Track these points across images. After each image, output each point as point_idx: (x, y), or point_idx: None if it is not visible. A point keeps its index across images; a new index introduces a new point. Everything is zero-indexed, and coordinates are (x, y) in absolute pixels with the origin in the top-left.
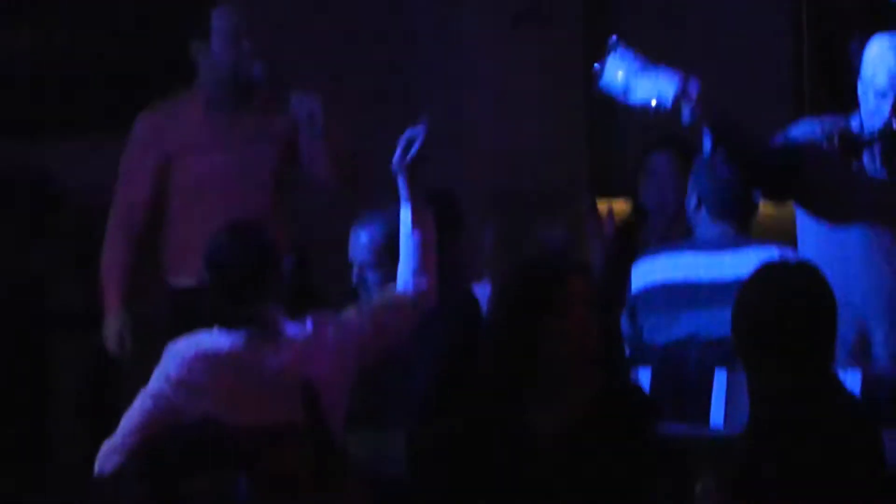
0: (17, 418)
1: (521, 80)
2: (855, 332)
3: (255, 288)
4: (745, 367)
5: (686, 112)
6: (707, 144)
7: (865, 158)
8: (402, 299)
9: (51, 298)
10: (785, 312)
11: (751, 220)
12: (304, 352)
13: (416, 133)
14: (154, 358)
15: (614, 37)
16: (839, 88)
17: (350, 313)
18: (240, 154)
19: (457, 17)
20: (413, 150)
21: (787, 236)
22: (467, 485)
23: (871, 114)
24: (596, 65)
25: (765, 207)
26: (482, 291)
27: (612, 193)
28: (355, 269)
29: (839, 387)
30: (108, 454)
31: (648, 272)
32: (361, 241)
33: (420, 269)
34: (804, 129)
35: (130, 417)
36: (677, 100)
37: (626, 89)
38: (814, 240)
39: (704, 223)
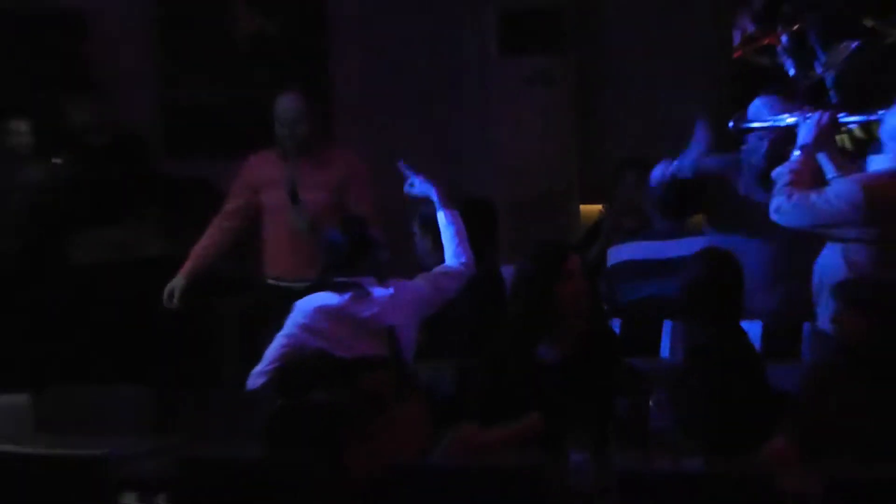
0: (194, 355)
1: (532, 122)
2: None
3: (354, 263)
4: (683, 320)
5: None
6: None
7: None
8: (451, 270)
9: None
10: (704, 284)
11: (688, 219)
12: (386, 306)
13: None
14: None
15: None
16: None
17: (417, 279)
18: (299, 190)
19: (489, 78)
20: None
21: None
22: (498, 399)
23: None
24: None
25: None
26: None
27: (594, 200)
28: (416, 241)
29: (741, 334)
30: (255, 376)
31: (620, 252)
32: (415, 229)
33: (458, 252)
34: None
35: (270, 351)
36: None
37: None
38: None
39: (657, 220)
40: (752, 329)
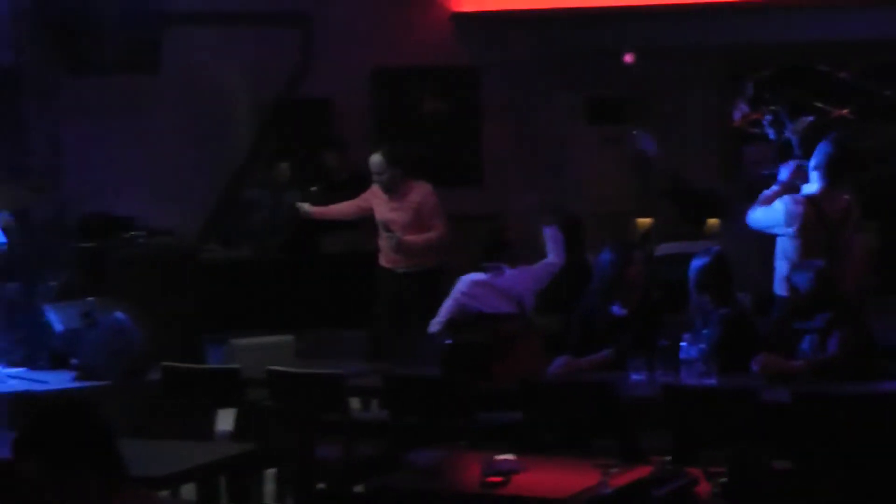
0: (395, 311)
1: (606, 166)
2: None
3: (494, 256)
4: (699, 291)
5: None
6: None
7: None
8: (551, 261)
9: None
10: (713, 269)
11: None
12: (515, 281)
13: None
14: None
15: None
16: None
17: (536, 265)
18: (390, 213)
19: (580, 138)
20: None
21: None
22: (587, 339)
23: None
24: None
25: None
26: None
27: (645, 215)
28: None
29: (737, 302)
30: (434, 325)
31: (662, 249)
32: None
33: (555, 250)
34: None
35: (442, 308)
36: None
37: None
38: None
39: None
40: (743, 298)
